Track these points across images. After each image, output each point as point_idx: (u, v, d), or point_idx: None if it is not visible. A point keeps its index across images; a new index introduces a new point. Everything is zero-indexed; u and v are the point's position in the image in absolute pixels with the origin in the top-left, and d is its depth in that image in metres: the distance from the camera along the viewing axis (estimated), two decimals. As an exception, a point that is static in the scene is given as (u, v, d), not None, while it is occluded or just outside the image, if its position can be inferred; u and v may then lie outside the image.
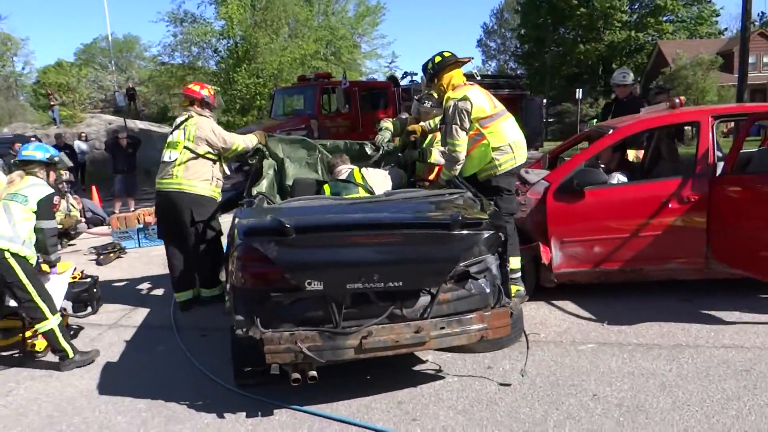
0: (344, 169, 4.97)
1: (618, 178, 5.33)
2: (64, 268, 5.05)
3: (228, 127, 28.85)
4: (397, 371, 4.02)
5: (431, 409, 3.55)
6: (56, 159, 4.79)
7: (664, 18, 41.85)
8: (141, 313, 5.91)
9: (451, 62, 4.67)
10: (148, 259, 8.38)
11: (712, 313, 4.70)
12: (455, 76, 4.68)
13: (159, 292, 6.66)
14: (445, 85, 4.68)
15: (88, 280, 5.29)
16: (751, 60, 38.78)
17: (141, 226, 9.33)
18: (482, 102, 4.57)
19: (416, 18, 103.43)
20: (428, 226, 3.47)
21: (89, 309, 5.20)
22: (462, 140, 4.51)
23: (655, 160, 6.07)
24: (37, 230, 4.50)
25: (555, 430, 3.22)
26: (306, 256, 3.32)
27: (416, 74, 18.21)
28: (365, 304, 3.48)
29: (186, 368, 4.43)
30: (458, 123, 4.50)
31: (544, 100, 21.13)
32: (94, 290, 5.26)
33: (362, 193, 4.73)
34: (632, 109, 7.09)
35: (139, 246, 9.27)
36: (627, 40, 41.73)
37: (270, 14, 29.04)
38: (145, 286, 6.93)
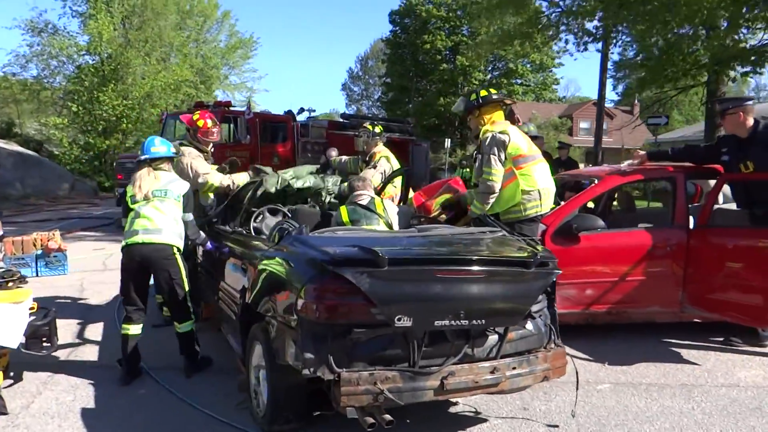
0: (365, 196, 4.78)
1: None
2: (21, 296, 4.31)
3: (89, 149, 26.79)
4: (437, 415, 3.89)
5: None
6: None
7: (516, 81, 45.72)
8: (88, 350, 5.21)
9: (498, 100, 4.80)
10: (54, 290, 7.42)
11: (691, 352, 5.09)
12: (497, 114, 4.81)
13: (94, 327, 5.91)
14: (485, 120, 4.80)
15: (46, 310, 4.55)
16: (585, 125, 43.51)
17: (40, 252, 8.25)
18: (520, 141, 4.70)
19: (286, 57, 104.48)
20: (511, 263, 3.43)
21: (48, 345, 4.45)
22: (498, 171, 4.59)
23: (608, 209, 6.55)
24: None
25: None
26: (398, 290, 3.14)
27: (314, 110, 18.10)
28: (440, 343, 3.35)
29: (182, 413, 3.97)
30: (495, 153, 4.59)
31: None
32: (54, 323, 4.54)
33: (382, 225, 4.58)
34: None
35: (37, 275, 8.17)
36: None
37: (143, 35, 27.58)
38: (72, 321, 6.11)
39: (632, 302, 5.18)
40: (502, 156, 4.63)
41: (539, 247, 3.85)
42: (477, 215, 4.67)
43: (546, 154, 12.35)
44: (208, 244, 4.96)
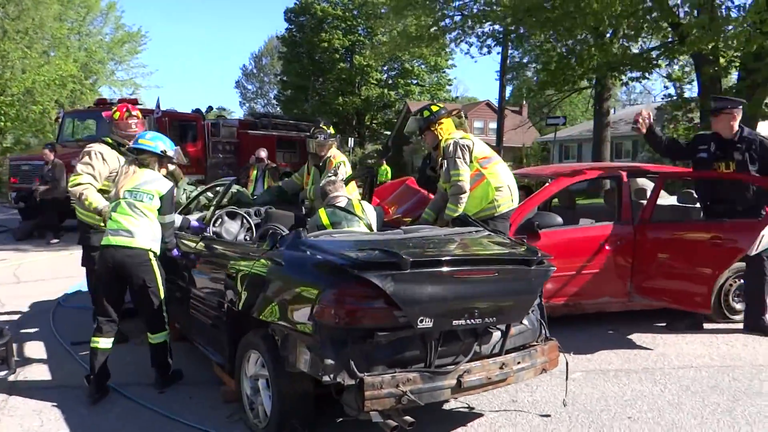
0: (341, 198, 4.73)
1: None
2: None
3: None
4: (431, 411, 3.93)
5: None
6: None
7: (412, 81, 46.70)
8: (36, 370, 4.81)
9: (447, 113, 5.09)
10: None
11: (641, 338, 5.49)
12: (450, 125, 5.07)
13: (33, 345, 5.46)
14: (442, 131, 5.00)
15: (4, 330, 4.17)
16: (478, 125, 45.16)
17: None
18: (481, 144, 4.91)
19: (177, 53, 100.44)
20: (516, 261, 3.55)
21: (6, 367, 4.08)
22: (464, 171, 4.75)
23: (548, 207, 6.89)
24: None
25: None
26: (421, 292, 3.16)
27: (225, 109, 17.66)
28: (452, 343, 3.42)
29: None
30: (460, 156, 4.76)
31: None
32: (11, 343, 4.15)
33: (362, 226, 4.57)
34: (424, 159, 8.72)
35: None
36: (380, 96, 45.58)
37: (22, 24, 25.53)
38: None
39: (586, 294, 5.50)
40: (467, 158, 4.83)
41: (525, 245, 4.01)
42: (453, 217, 4.78)
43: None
44: (175, 251, 4.72)
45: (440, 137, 5.02)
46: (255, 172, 10.45)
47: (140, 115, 5.43)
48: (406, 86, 46.27)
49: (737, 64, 14.63)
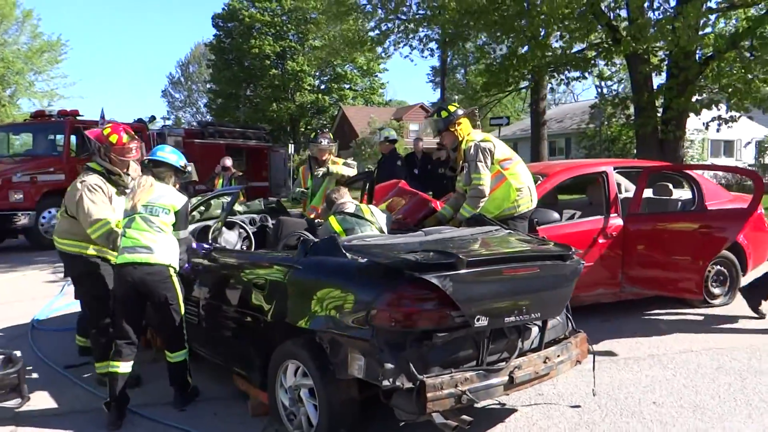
0: (349, 204, 4.68)
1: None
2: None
3: None
4: (467, 411, 3.96)
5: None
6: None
7: (346, 86, 46.73)
8: (37, 397, 4.52)
9: (466, 114, 5.07)
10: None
11: (636, 327, 5.71)
12: (468, 125, 5.03)
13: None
14: (461, 132, 4.98)
15: (7, 354, 3.91)
16: (414, 127, 45.69)
17: None
18: (501, 145, 4.94)
19: (100, 62, 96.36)
20: (554, 257, 3.63)
21: (18, 397, 3.82)
22: (485, 175, 4.78)
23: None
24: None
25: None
26: (477, 291, 3.19)
27: (169, 118, 17.16)
28: (500, 340, 3.47)
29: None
30: (482, 160, 4.78)
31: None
32: (23, 370, 3.90)
33: (374, 230, 4.54)
34: (391, 161, 9.36)
35: None
36: (315, 102, 45.35)
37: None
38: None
39: (583, 287, 5.64)
40: (488, 162, 4.85)
41: (550, 242, 4.11)
42: (466, 218, 4.82)
43: (426, 156, 12.98)
44: (186, 266, 4.56)
45: (460, 137, 5.02)
46: (221, 181, 10.22)
47: (137, 138, 4.92)
48: (340, 91, 46.26)
49: (667, 64, 15.39)
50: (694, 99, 15.25)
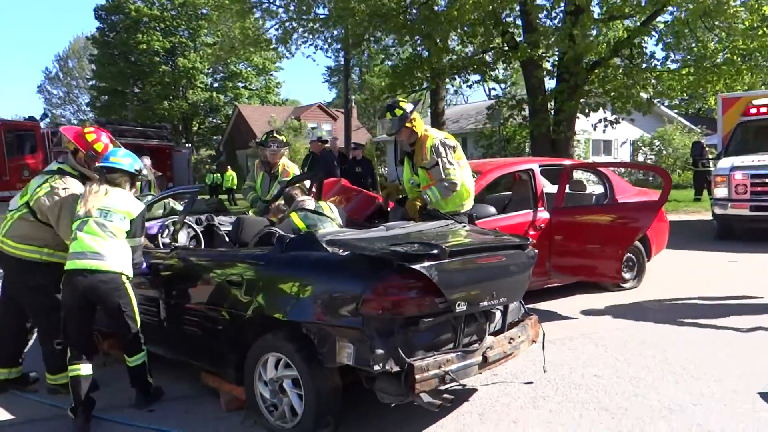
0: (309, 201, 4.79)
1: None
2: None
3: None
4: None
5: (498, 415, 3.98)
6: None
7: (240, 84, 45.85)
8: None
9: (414, 108, 5.21)
10: None
11: (558, 310, 6.24)
12: (420, 118, 5.23)
13: None
14: (417, 126, 5.17)
15: None
16: (313, 125, 45.69)
17: None
18: (458, 145, 5.20)
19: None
20: (515, 246, 3.97)
21: None
22: (456, 170, 5.02)
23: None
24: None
25: (635, 399, 4.10)
26: (458, 279, 3.47)
27: (47, 116, 16.16)
28: (471, 323, 3.76)
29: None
30: (450, 156, 5.01)
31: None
32: None
33: (334, 226, 4.70)
34: (327, 160, 9.82)
35: None
36: (209, 100, 44.14)
37: None
38: None
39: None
40: (453, 158, 5.10)
41: (500, 234, 4.47)
42: (432, 205, 5.03)
43: (343, 156, 13.18)
44: (143, 266, 4.49)
45: (418, 132, 5.18)
46: (139, 183, 9.85)
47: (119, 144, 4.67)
48: (235, 89, 45.33)
49: (558, 69, 16.50)
50: (582, 102, 16.51)
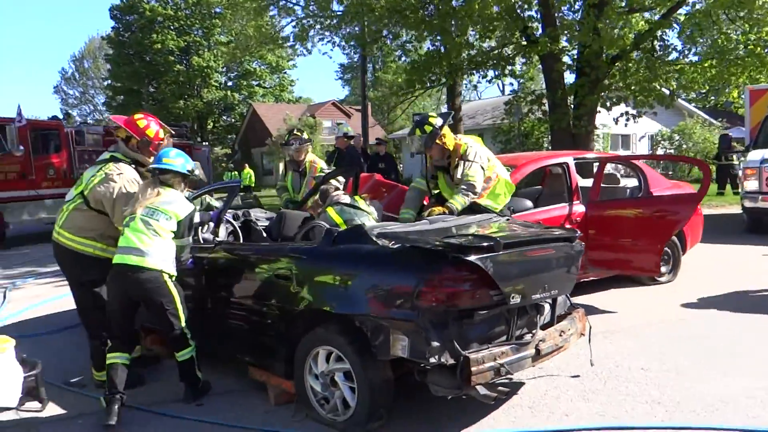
0: (343, 195, 4.78)
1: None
2: (2, 343, 3.52)
3: None
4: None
5: (548, 408, 3.96)
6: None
7: (255, 83, 45.99)
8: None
9: (444, 122, 5.19)
10: None
11: (597, 304, 6.19)
12: (449, 131, 5.21)
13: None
14: (448, 142, 5.13)
15: (32, 361, 3.75)
16: (327, 124, 45.69)
17: None
18: (488, 150, 5.20)
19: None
20: (565, 239, 3.95)
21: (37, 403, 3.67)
22: (480, 175, 4.99)
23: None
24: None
25: (667, 390, 4.07)
26: (513, 271, 3.46)
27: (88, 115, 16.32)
28: (523, 316, 3.74)
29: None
30: (480, 162, 4.98)
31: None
32: (41, 375, 3.75)
33: (371, 220, 4.68)
34: (352, 156, 9.83)
35: None
36: (223, 98, 44.31)
37: None
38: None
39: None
40: (485, 164, 5.05)
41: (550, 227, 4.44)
42: (457, 209, 4.94)
43: (364, 152, 13.20)
44: (189, 263, 4.52)
45: (448, 147, 5.11)
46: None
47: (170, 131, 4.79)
48: (249, 88, 45.47)
49: (578, 63, 16.37)
50: (603, 95, 16.36)
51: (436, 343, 3.28)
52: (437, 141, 5.08)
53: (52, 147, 13.90)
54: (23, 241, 13.28)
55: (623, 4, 16.47)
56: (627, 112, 16.99)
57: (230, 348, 4.51)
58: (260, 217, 5.85)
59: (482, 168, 5.05)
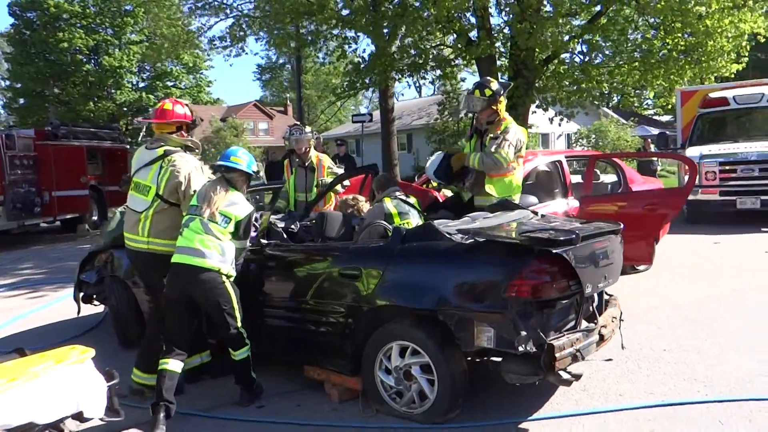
0: (399, 191, 4.81)
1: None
2: (83, 353, 3.35)
3: None
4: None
5: (601, 389, 4.23)
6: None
7: (170, 83, 44.43)
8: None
9: (505, 91, 5.25)
10: None
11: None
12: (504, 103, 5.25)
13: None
14: (501, 109, 5.17)
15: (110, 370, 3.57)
16: (248, 126, 44.86)
17: None
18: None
19: None
20: (613, 232, 4.21)
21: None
22: (509, 158, 5.05)
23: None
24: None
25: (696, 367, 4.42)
26: (588, 262, 3.67)
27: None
28: (583, 304, 3.97)
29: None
30: (514, 145, 5.07)
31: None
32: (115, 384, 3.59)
33: (419, 218, 4.76)
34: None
35: None
36: (138, 100, 42.50)
37: None
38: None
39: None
40: (516, 148, 5.16)
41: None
42: (474, 166, 5.09)
43: (348, 157, 13.28)
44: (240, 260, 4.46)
45: (499, 114, 5.16)
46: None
47: None
48: (165, 89, 43.84)
49: (514, 65, 17.03)
50: (538, 96, 17.11)
51: (524, 333, 3.44)
52: (492, 106, 5.16)
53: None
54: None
55: (548, 8, 17.32)
56: (561, 112, 17.85)
57: (283, 349, 4.48)
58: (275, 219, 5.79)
59: (514, 150, 5.10)
